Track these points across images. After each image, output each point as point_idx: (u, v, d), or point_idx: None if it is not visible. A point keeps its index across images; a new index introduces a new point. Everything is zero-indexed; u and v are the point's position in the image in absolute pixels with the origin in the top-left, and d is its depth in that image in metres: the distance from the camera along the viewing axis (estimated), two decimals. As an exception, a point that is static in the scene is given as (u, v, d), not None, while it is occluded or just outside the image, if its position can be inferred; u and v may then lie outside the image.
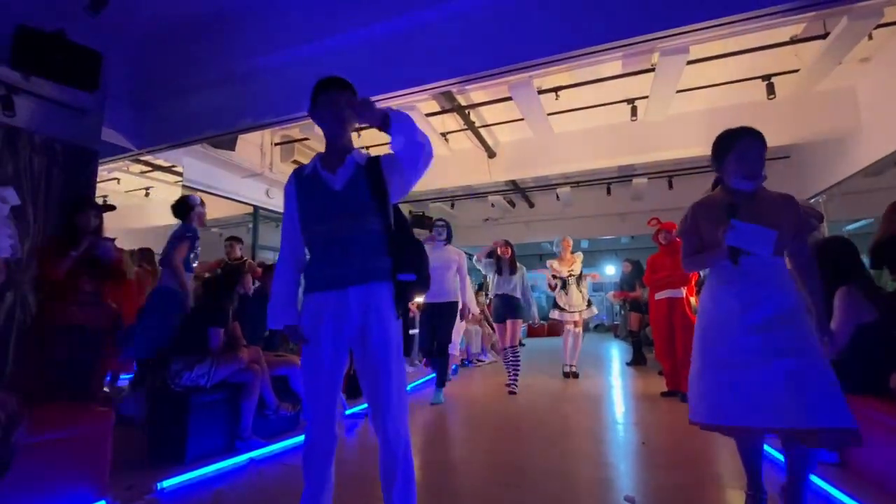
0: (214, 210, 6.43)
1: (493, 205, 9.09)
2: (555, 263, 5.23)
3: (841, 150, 5.15)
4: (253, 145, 5.47)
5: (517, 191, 8.34)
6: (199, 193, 5.58)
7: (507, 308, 4.37)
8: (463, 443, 2.91)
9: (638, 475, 2.27)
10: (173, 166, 5.16)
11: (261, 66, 3.48)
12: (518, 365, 4.34)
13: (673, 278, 3.97)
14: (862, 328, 2.11)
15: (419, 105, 4.72)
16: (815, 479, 2.01)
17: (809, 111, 4.90)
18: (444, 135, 5.58)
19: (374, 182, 1.49)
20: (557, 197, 8.44)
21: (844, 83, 4.69)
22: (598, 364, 6.49)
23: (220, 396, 2.58)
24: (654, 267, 4.24)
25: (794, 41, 3.81)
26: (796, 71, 4.23)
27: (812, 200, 5.72)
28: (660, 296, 4.07)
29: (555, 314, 5.23)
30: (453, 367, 4.91)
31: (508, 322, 4.34)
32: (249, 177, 5.54)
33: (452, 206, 9.05)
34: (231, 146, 4.73)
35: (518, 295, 4.39)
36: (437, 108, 4.87)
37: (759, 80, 4.40)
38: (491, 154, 6.08)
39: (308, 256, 1.55)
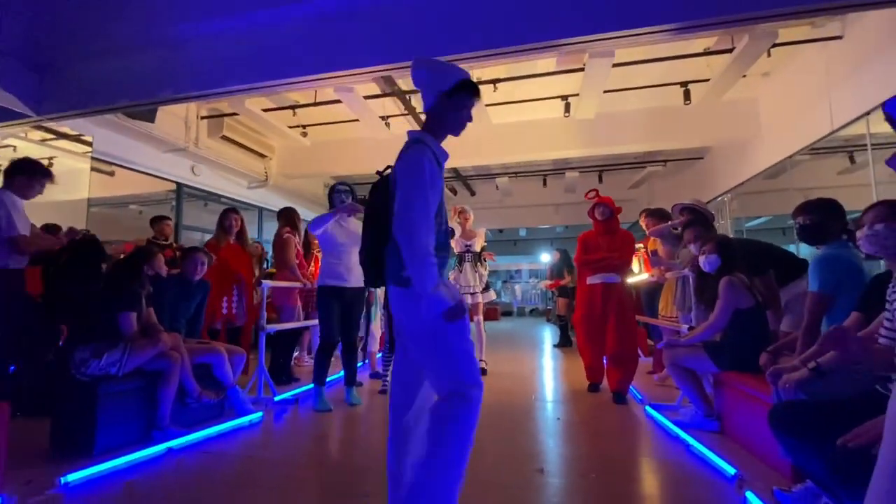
0: (133, 186, 5.95)
1: (434, 191, 9.14)
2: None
3: (744, 154, 5.75)
4: (176, 118, 5.09)
5: (458, 178, 8.45)
6: (112, 167, 5.15)
7: None
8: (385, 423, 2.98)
9: (551, 448, 2.47)
10: (81, 135, 4.68)
11: (186, 35, 3.24)
12: None
13: (609, 262, 3.51)
14: (740, 313, 2.43)
15: (357, 87, 4.63)
16: (697, 444, 2.31)
17: (719, 117, 5.41)
18: (384, 118, 5.52)
19: None
20: (497, 186, 8.67)
21: (748, 94, 5.23)
22: (529, 345, 6.86)
23: (133, 385, 2.45)
24: (587, 246, 3.64)
25: (706, 53, 4.17)
26: (707, 80, 4.63)
27: (719, 199, 6.36)
28: (592, 280, 3.58)
29: None
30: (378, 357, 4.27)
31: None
32: (172, 151, 5.16)
33: (394, 190, 9.00)
34: (150, 118, 4.38)
35: None
36: (378, 91, 4.80)
37: (678, 86, 4.78)
38: (432, 141, 6.10)
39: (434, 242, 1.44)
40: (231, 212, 3.63)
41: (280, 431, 2.81)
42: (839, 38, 3.80)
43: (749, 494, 1.72)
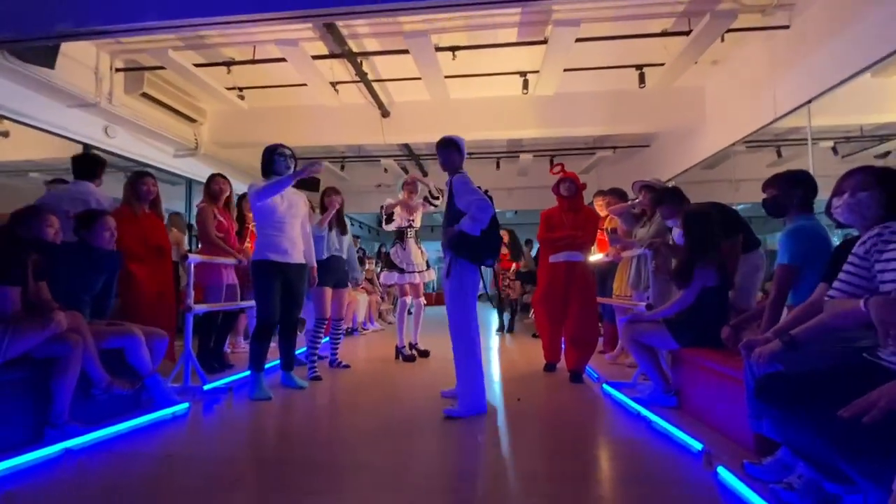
0: (33, 149, 5.11)
1: (386, 170, 8.78)
2: (397, 207, 4.14)
3: (688, 143, 5.93)
4: (84, 67, 4.35)
5: (411, 157, 8.14)
6: (4, 124, 4.35)
7: (339, 272, 3.69)
8: (345, 409, 2.75)
9: (506, 425, 2.35)
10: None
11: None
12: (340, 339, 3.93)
13: (574, 239, 3.39)
14: (705, 290, 2.42)
15: (304, 45, 4.19)
16: (659, 420, 2.26)
17: (669, 104, 5.50)
18: (333, 84, 5.09)
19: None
20: (450, 167, 8.45)
21: (697, 82, 5.35)
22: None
23: (18, 375, 2.01)
24: (550, 223, 3.52)
25: (664, 34, 4.16)
26: (662, 64, 4.66)
27: (664, 185, 6.55)
28: (556, 258, 3.45)
29: (391, 278, 4.18)
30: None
31: (339, 290, 3.71)
32: (79, 107, 4.43)
33: (342, 167, 8.52)
34: (48, 62, 3.68)
35: (346, 257, 3.80)
36: (326, 52, 4.38)
37: (634, 69, 4.78)
38: (385, 113, 5.75)
39: None
40: (147, 175, 3.10)
41: (208, 424, 2.48)
42: (786, 27, 3.92)
43: (721, 469, 1.66)
